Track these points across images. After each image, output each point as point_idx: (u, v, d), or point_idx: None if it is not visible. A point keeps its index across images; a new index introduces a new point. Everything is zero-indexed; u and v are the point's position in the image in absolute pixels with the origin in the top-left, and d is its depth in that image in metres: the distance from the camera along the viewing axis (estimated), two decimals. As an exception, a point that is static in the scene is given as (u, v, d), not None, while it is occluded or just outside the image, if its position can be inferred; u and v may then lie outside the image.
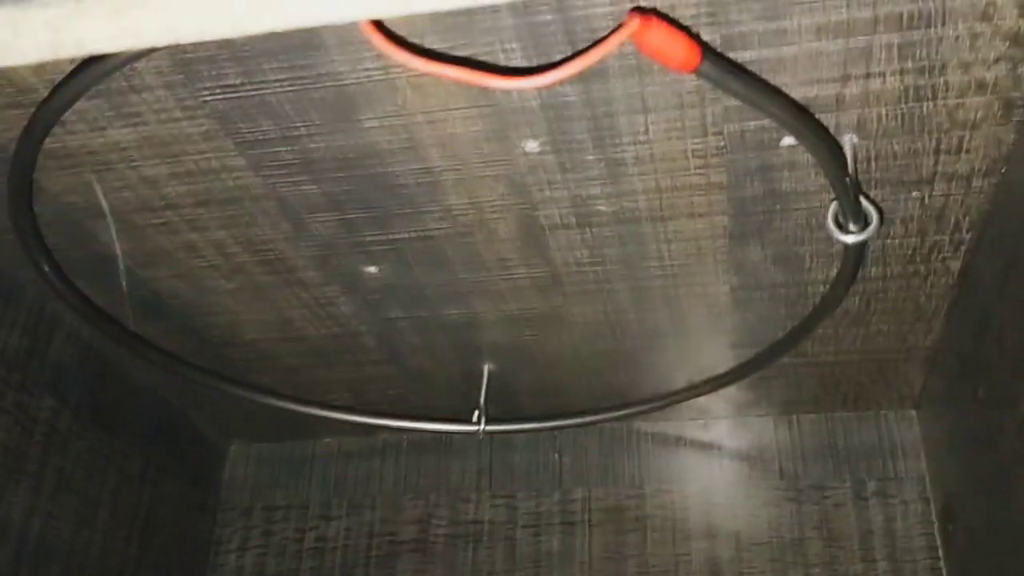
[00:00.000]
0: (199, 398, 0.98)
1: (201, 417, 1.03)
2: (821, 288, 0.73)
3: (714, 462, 0.97)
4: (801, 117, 0.48)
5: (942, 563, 0.87)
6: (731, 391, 0.92)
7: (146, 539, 0.91)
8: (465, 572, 0.97)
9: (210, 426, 1.05)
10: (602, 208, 0.64)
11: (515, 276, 0.73)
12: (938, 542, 0.88)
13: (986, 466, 0.71)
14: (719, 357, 0.84)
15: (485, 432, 0.85)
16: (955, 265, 0.70)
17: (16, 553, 0.74)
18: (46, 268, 0.66)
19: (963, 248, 0.68)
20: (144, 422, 0.93)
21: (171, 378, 0.92)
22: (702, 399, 0.94)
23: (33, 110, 0.54)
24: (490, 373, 0.88)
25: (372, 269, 0.73)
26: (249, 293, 0.77)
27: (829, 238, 0.66)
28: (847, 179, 0.51)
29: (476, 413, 0.85)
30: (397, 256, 0.71)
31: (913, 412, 0.94)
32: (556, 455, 1.00)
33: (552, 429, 0.98)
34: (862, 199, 0.54)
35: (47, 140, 0.59)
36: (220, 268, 0.73)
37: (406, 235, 0.68)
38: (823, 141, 0.49)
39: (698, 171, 0.60)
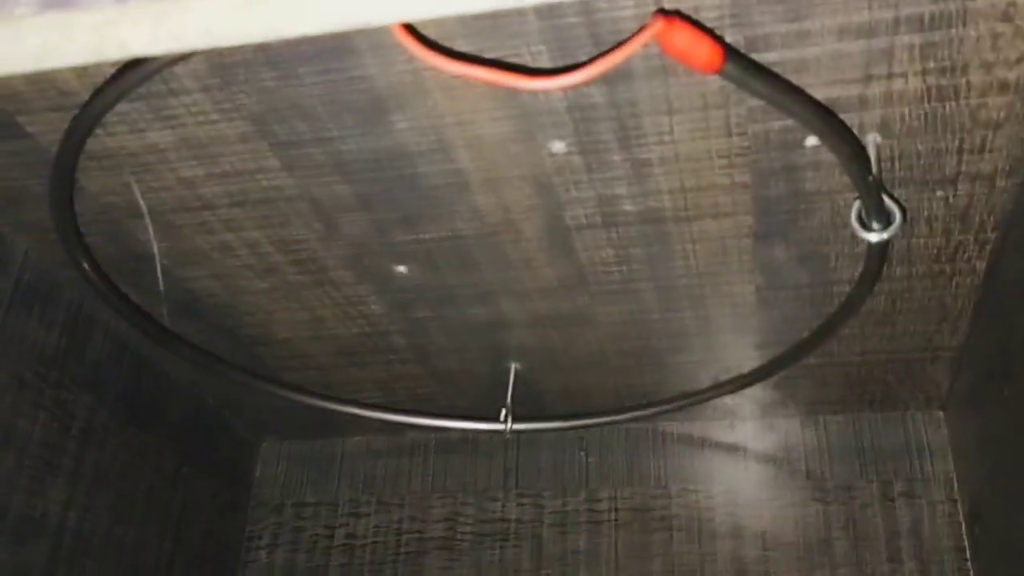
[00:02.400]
0: (233, 396, 1.00)
1: (234, 415, 1.05)
2: (846, 288, 0.73)
3: (740, 463, 0.97)
4: (824, 117, 0.48)
5: (969, 564, 0.86)
6: (757, 392, 0.93)
7: (180, 535, 0.93)
8: (492, 570, 0.98)
9: (243, 424, 1.07)
10: (628, 208, 0.65)
11: (541, 276, 0.74)
12: (966, 543, 0.87)
13: (1012, 468, 0.71)
14: (744, 357, 0.85)
15: (512, 431, 0.86)
16: (981, 265, 0.70)
17: (53, 546, 0.76)
18: (86, 265, 0.68)
19: (988, 248, 0.68)
20: (179, 420, 0.95)
21: (205, 376, 0.94)
22: (728, 400, 0.94)
23: (75, 113, 0.56)
24: (517, 373, 0.89)
25: (402, 269, 0.74)
26: (282, 293, 0.79)
27: (854, 237, 0.67)
28: (870, 178, 0.52)
29: (503, 412, 0.86)
30: (426, 256, 0.72)
31: (940, 413, 0.94)
32: (582, 453, 1.00)
33: (578, 428, 0.99)
34: (885, 198, 0.54)
35: (88, 141, 0.61)
36: (254, 268, 0.75)
37: (435, 235, 0.69)
38: (845, 141, 0.49)
39: (722, 171, 0.61)
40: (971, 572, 0.86)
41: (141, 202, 0.67)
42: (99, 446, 0.82)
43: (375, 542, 1.02)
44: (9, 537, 0.71)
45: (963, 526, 0.88)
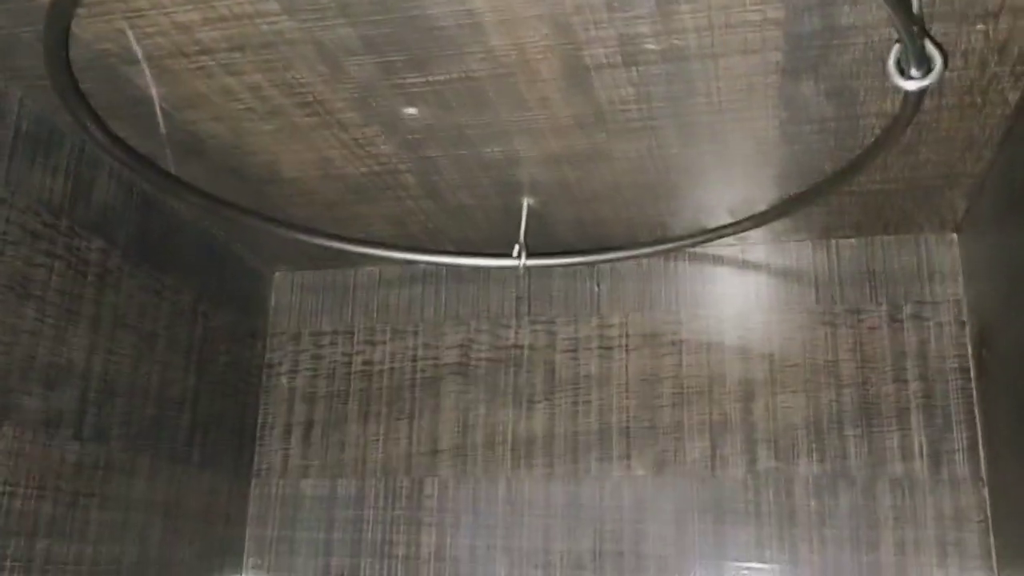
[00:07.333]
0: (243, 230, 1.00)
1: (246, 248, 1.05)
2: (873, 120, 0.71)
3: (750, 287, 0.98)
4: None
5: (973, 385, 0.89)
6: (771, 218, 0.92)
7: (202, 368, 0.95)
8: (507, 392, 1.01)
9: (255, 256, 1.07)
10: (650, 47, 0.62)
11: (557, 115, 0.71)
12: (971, 364, 0.89)
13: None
14: (763, 188, 0.83)
15: (526, 267, 0.86)
16: (1013, 96, 0.68)
17: (82, 390, 0.77)
18: (85, 121, 0.65)
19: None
20: (191, 256, 0.95)
21: (213, 218, 0.93)
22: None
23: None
24: (529, 208, 0.88)
25: (412, 110, 0.71)
26: (288, 134, 0.76)
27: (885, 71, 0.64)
28: (914, 27, 0.48)
29: (516, 247, 0.86)
30: (437, 97, 0.69)
31: (954, 235, 0.93)
32: (595, 286, 1.01)
33: (591, 263, 0.99)
34: (927, 42, 0.51)
35: (75, -11, 0.57)
36: (257, 111, 0.72)
37: (446, 77, 0.66)
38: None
39: (754, 7, 0.58)
40: (974, 392, 0.88)
41: (136, 48, 0.64)
42: (115, 289, 0.82)
43: (392, 368, 1.05)
44: (39, 385, 0.72)
45: (969, 347, 0.90)
